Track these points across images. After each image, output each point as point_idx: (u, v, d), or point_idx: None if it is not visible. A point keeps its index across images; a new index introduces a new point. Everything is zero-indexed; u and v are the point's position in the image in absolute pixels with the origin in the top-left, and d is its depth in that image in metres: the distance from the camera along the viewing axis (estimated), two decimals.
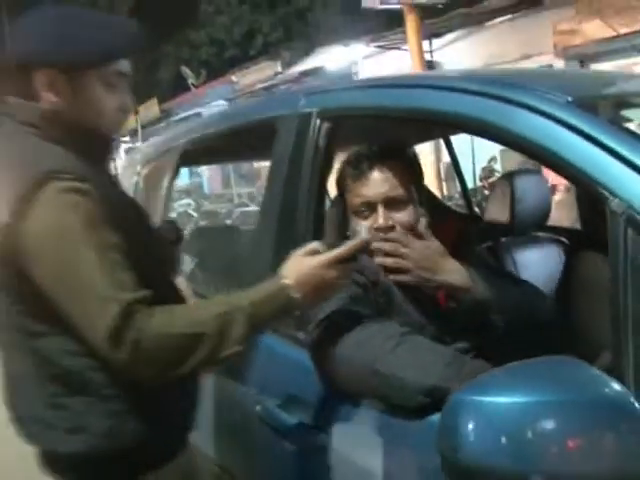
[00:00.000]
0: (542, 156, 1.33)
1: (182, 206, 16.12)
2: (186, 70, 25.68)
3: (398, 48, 12.22)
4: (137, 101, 24.48)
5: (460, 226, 2.06)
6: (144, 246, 1.54)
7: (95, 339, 1.37)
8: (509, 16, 11.09)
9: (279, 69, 18.81)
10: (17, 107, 1.53)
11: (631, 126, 1.47)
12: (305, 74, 16.20)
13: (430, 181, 8.14)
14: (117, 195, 1.57)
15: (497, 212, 2.62)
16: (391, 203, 1.72)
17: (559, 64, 10.28)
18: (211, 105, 21.54)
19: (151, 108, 24.86)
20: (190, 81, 25.23)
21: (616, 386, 1.04)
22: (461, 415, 1.04)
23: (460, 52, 12.53)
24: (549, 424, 1.01)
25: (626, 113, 1.46)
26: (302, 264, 1.50)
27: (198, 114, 22.50)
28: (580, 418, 1.01)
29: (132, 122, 23.39)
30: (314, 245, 1.54)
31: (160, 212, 2.63)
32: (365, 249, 1.56)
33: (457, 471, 1.05)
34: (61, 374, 1.48)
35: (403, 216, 1.72)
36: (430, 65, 12.99)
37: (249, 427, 1.87)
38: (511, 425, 1.01)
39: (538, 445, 1.00)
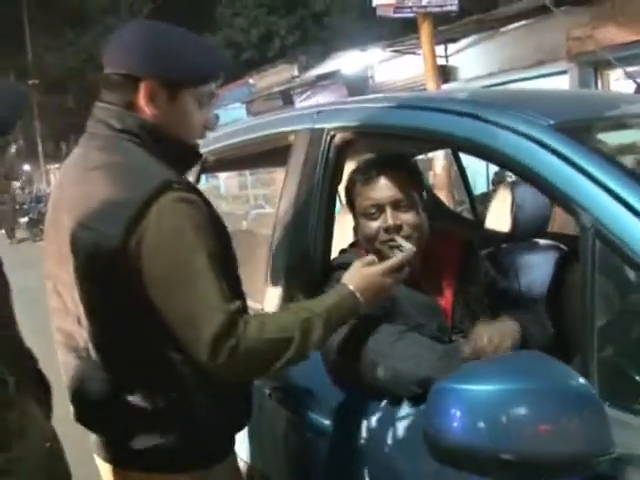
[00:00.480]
0: (523, 173, 1.50)
1: None
2: None
3: (414, 53, 12.33)
4: None
5: (466, 235, 2.19)
6: (232, 253, 1.70)
7: (195, 343, 1.47)
8: (523, 22, 11.17)
9: (296, 72, 18.96)
10: (117, 115, 1.63)
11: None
12: (322, 78, 16.33)
13: (443, 186, 8.26)
14: (208, 204, 1.67)
15: (498, 219, 2.78)
16: (398, 205, 1.87)
17: (573, 70, 10.37)
18: (227, 107, 21.72)
19: None
20: None
21: (581, 379, 1.19)
22: (443, 400, 1.21)
23: (475, 57, 12.63)
24: (520, 409, 1.16)
25: (604, 136, 1.60)
26: (363, 273, 1.68)
27: (215, 116, 22.72)
28: (548, 405, 1.16)
29: None
30: (370, 258, 1.73)
31: None
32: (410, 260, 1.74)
33: (439, 450, 1.21)
34: (150, 369, 1.61)
35: (409, 217, 1.87)
36: (445, 70, 13.11)
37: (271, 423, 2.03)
38: (487, 410, 1.16)
39: (510, 428, 1.16)
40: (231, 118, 21.74)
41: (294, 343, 1.53)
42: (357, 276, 1.69)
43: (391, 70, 14.18)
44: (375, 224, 1.88)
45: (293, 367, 1.71)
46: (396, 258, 1.73)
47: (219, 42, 28.73)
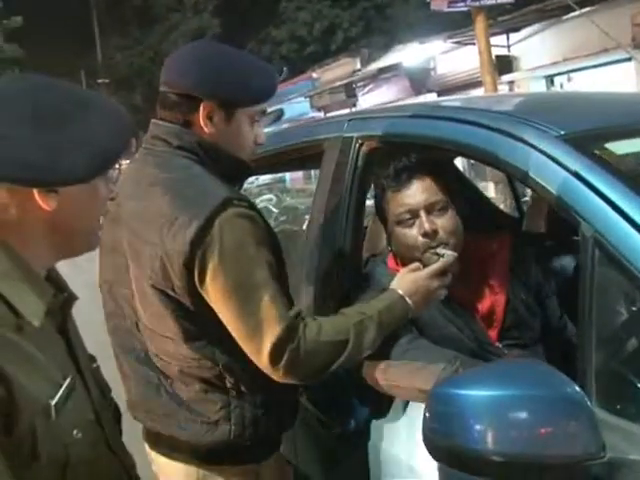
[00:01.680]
0: (532, 184, 1.55)
1: (263, 201, 16.21)
2: None
3: (474, 44, 12.25)
4: None
5: (514, 237, 2.14)
6: (283, 262, 1.80)
7: (259, 349, 1.59)
8: (587, 9, 10.96)
9: (358, 66, 18.97)
10: (175, 133, 1.74)
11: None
12: (384, 71, 16.34)
13: (499, 179, 8.20)
14: (263, 218, 1.76)
15: (536, 220, 2.80)
16: (432, 209, 1.86)
17: (638, 57, 10.14)
18: (292, 101, 21.92)
19: None
20: None
21: (574, 386, 1.24)
22: (441, 404, 1.28)
23: (537, 46, 12.44)
24: (514, 414, 1.22)
25: (614, 145, 1.63)
26: (411, 278, 1.78)
27: (280, 111, 22.97)
28: (541, 410, 1.22)
29: None
30: (415, 264, 1.82)
31: None
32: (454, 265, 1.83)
33: (437, 450, 1.29)
34: (209, 372, 1.72)
35: (444, 221, 1.86)
36: (507, 60, 12.97)
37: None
38: (482, 413, 1.23)
39: (503, 431, 1.22)
40: (295, 112, 22.04)
41: (349, 345, 1.64)
42: (405, 281, 1.78)
43: (453, 62, 14.09)
44: (412, 231, 1.87)
45: None
46: (440, 263, 1.80)
47: (283, 36, 28.98)
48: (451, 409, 1.25)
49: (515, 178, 1.63)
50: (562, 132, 1.57)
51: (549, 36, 12.04)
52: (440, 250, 1.83)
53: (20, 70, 30.73)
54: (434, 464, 1.41)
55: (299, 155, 2.63)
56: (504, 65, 12.83)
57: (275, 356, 1.58)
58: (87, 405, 1.22)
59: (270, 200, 17.10)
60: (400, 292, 1.75)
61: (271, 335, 1.58)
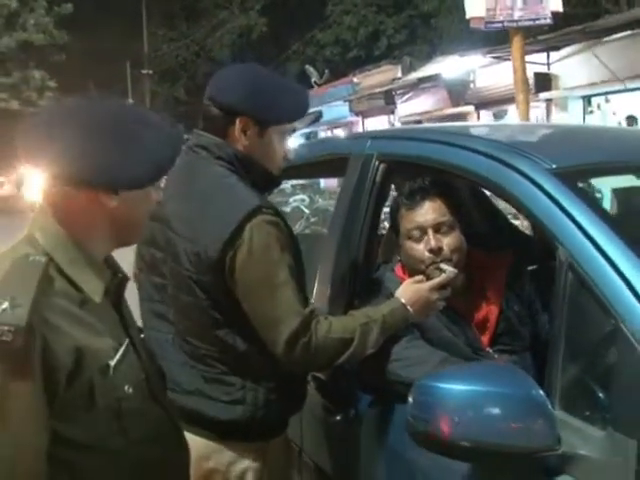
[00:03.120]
0: (520, 208, 1.75)
1: (296, 201, 16.29)
2: (310, 69, 26.35)
3: None
4: None
5: (522, 253, 2.34)
6: (302, 264, 2.03)
7: (276, 340, 1.84)
8: (628, 32, 11.04)
9: (399, 74, 19.15)
10: (215, 144, 1.98)
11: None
12: (423, 80, 16.51)
13: None
14: (287, 224, 2.00)
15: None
16: (439, 228, 2.07)
17: None
18: (331, 105, 22.16)
19: None
20: (313, 80, 25.87)
21: (538, 389, 1.45)
22: (422, 395, 1.49)
23: (576, 66, 12.54)
24: (484, 407, 1.43)
25: (600, 180, 1.83)
26: (414, 289, 2.00)
27: (319, 112, 23.22)
28: (507, 406, 1.43)
29: None
30: (420, 277, 2.04)
31: None
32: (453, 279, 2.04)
33: (417, 436, 1.50)
34: (230, 356, 1.95)
35: (450, 239, 2.07)
36: (545, 77, 13.07)
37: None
38: (454, 405, 1.44)
39: (474, 421, 1.43)
40: (334, 115, 22.23)
41: (355, 343, 1.88)
42: (408, 291, 2.00)
43: (491, 76, 14.23)
44: (419, 246, 2.07)
45: None
46: (441, 278, 2.01)
47: (327, 39, 29.19)
48: (430, 399, 1.47)
49: (510, 204, 1.83)
50: (553, 166, 1.77)
51: (589, 57, 12.12)
52: (443, 266, 2.03)
53: (68, 57, 31.51)
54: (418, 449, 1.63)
55: (326, 166, 2.86)
56: (542, 83, 12.95)
57: (290, 347, 1.82)
58: (138, 367, 1.50)
59: (303, 201, 17.13)
60: (403, 300, 1.97)
61: (287, 328, 1.82)
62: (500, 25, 8.25)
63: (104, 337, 1.41)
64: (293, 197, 16.25)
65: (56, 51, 31.10)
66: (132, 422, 1.44)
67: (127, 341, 1.48)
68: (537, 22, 8.29)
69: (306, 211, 15.38)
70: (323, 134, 23.35)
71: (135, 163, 1.38)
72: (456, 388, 1.45)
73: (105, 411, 1.38)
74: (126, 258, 1.92)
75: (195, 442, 2.01)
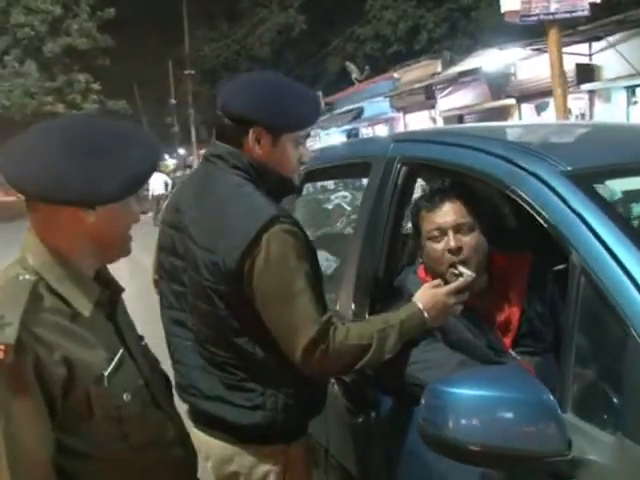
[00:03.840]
0: (534, 212, 1.75)
1: (338, 198, 16.28)
2: (350, 65, 26.34)
3: None
4: None
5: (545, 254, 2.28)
6: (320, 272, 2.06)
7: (293, 347, 1.86)
8: None
9: (439, 69, 19.01)
10: (231, 153, 2.01)
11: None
12: (463, 74, 16.37)
13: None
14: (304, 233, 2.02)
15: None
16: (459, 229, 2.11)
17: None
18: (372, 101, 22.10)
19: None
20: (354, 76, 25.86)
21: (549, 394, 1.46)
22: (434, 399, 1.51)
23: (620, 56, 12.27)
24: (494, 412, 1.45)
25: (615, 182, 1.81)
26: (431, 294, 2.01)
27: (359, 109, 23.18)
28: (517, 411, 1.44)
29: None
30: (437, 281, 2.05)
31: None
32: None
33: (428, 438, 1.52)
34: (249, 364, 1.98)
35: (469, 240, 2.10)
36: (588, 68, 12.85)
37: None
38: (465, 409, 1.45)
39: (484, 425, 1.44)
40: (375, 111, 22.18)
41: (372, 348, 1.89)
42: (425, 296, 2.02)
43: (533, 68, 14.02)
44: (439, 246, 2.11)
45: None
46: (458, 282, 2.03)
47: (367, 34, 29.13)
48: (441, 403, 1.48)
49: (525, 207, 1.83)
50: (569, 168, 1.76)
51: (632, 46, 11.88)
52: (461, 269, 2.05)
53: (111, 60, 32.02)
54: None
55: (351, 169, 2.89)
56: (584, 74, 12.73)
57: (307, 354, 1.85)
58: (136, 374, 1.55)
59: (345, 197, 17.03)
60: (420, 305, 1.98)
61: (305, 336, 1.84)
62: (536, 18, 8.13)
63: (97, 349, 1.46)
64: (335, 194, 16.19)
65: (99, 54, 31.65)
66: (133, 428, 1.50)
67: (122, 350, 1.53)
68: (574, 14, 8.14)
69: (347, 208, 15.31)
70: (364, 130, 23.30)
71: (108, 178, 1.41)
72: (466, 393, 1.47)
73: (105, 419, 1.45)
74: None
75: (217, 446, 2.08)
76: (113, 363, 1.48)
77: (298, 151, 2.07)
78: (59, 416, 1.38)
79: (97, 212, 1.45)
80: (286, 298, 1.88)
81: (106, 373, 1.45)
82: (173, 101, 35.54)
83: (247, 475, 2.06)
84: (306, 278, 1.89)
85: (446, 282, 2.06)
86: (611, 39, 12.11)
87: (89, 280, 1.53)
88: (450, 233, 2.10)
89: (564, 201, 1.67)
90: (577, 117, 13.43)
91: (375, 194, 2.43)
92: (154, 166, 1.53)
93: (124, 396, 1.48)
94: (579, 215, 1.63)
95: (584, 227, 1.60)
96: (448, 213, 2.12)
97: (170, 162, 39.38)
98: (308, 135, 2.10)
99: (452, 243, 2.09)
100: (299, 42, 33.21)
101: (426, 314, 1.98)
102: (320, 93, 25.45)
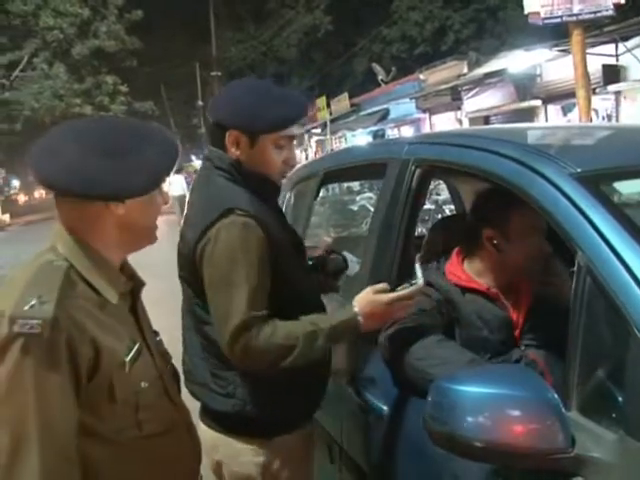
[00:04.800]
0: (542, 213, 1.77)
1: (363, 199, 16.31)
2: (377, 67, 26.32)
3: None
4: (329, 95, 25.52)
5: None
6: (295, 268, 2.11)
7: (221, 336, 1.94)
8: None
9: (465, 70, 18.95)
10: (215, 155, 2.12)
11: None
12: (489, 76, 16.30)
13: None
14: (279, 227, 2.09)
15: None
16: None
17: None
18: (398, 102, 22.07)
19: (342, 102, 25.73)
20: (380, 77, 25.84)
21: (553, 392, 1.47)
22: (439, 396, 1.53)
23: None
24: (498, 409, 1.47)
25: (623, 185, 1.83)
26: (371, 299, 2.01)
27: (385, 110, 23.17)
28: (521, 408, 1.46)
29: (323, 115, 24.42)
30: (383, 285, 2.04)
31: (302, 225, 3.23)
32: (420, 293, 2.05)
33: (432, 433, 1.54)
34: (218, 351, 2.02)
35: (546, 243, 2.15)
36: (614, 69, 12.75)
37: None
38: (469, 406, 1.47)
39: (488, 422, 1.46)
40: (401, 112, 22.16)
41: (297, 350, 1.94)
42: (365, 301, 2.02)
43: (559, 69, 13.95)
44: (537, 242, 2.13)
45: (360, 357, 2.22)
46: (404, 291, 2.00)
47: (393, 35, 29.11)
48: (446, 400, 1.51)
49: (534, 207, 1.85)
50: (578, 169, 1.78)
51: None
52: (418, 272, 2.03)
53: (139, 62, 32.29)
54: None
55: (368, 170, 2.92)
56: (611, 75, 12.64)
57: (231, 344, 1.92)
58: (151, 365, 1.65)
59: (370, 199, 17.10)
60: (356, 310, 2.00)
61: (230, 325, 1.91)
62: (559, 20, 8.08)
63: (121, 337, 1.56)
64: (360, 195, 16.24)
65: (127, 56, 31.94)
66: (146, 416, 1.58)
67: (140, 341, 1.62)
68: (598, 14, 8.08)
69: (372, 209, 15.32)
70: (390, 132, 23.28)
71: (135, 174, 1.52)
72: (471, 390, 1.49)
73: (124, 404, 1.53)
74: None
75: (206, 433, 2.16)
76: (133, 351, 1.56)
77: (282, 152, 2.12)
78: (83, 397, 1.46)
79: (126, 205, 1.54)
80: (222, 287, 1.94)
81: (127, 359, 1.54)
82: (200, 102, 35.71)
83: (228, 465, 2.13)
84: (247, 271, 1.93)
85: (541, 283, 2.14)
86: (638, 39, 11.98)
87: (115, 271, 1.61)
88: (540, 235, 2.14)
89: (572, 202, 1.69)
90: (603, 118, 13.34)
91: (390, 196, 2.46)
92: (174, 161, 1.62)
93: (142, 384, 1.57)
94: (585, 216, 1.64)
95: (590, 228, 1.62)
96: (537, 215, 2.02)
97: (196, 163, 39.55)
98: (292, 137, 2.13)
99: (545, 246, 2.14)
100: (325, 43, 33.26)
101: (361, 319, 1.99)
102: (346, 94, 25.56)
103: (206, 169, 2.14)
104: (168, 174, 1.62)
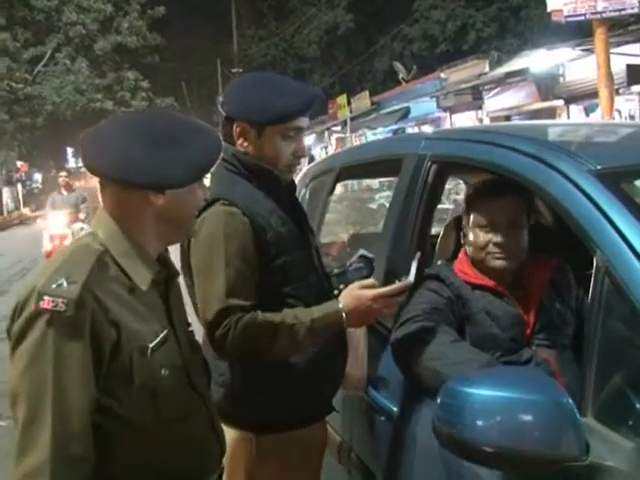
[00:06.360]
0: (559, 210, 1.71)
1: (382, 198, 16.30)
2: (398, 65, 26.23)
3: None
4: (350, 93, 25.49)
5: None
6: (297, 264, 2.06)
7: (203, 321, 1.96)
8: None
9: (486, 69, 18.78)
10: (225, 148, 2.04)
11: None
12: (511, 75, 16.15)
13: None
14: (280, 220, 2.06)
15: None
16: (511, 225, 2.10)
17: None
18: (418, 101, 21.96)
19: (362, 100, 25.66)
20: (401, 76, 25.75)
21: (567, 397, 1.41)
22: (450, 398, 1.48)
23: None
24: (511, 414, 1.41)
25: None
26: (355, 294, 1.98)
27: (406, 108, 23.06)
28: (535, 413, 1.40)
29: (344, 113, 24.36)
30: (371, 281, 2.02)
31: (317, 221, 3.19)
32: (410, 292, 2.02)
33: (441, 435, 1.49)
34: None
35: (517, 238, 2.10)
36: (638, 69, 12.58)
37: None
38: (479, 409, 1.42)
39: (499, 426, 1.41)
40: (421, 111, 22.07)
41: (276, 342, 1.93)
42: (349, 296, 1.99)
43: (582, 69, 13.77)
44: (487, 237, 2.11)
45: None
46: (391, 287, 1.97)
47: (415, 34, 29.00)
48: (456, 402, 1.46)
49: (551, 205, 1.79)
50: (598, 167, 1.72)
51: None
52: (413, 268, 2.01)
53: (160, 58, 32.43)
54: None
55: (384, 166, 2.88)
56: (635, 75, 12.46)
57: (210, 331, 1.93)
58: (177, 354, 1.66)
59: (389, 197, 16.93)
60: (340, 305, 1.97)
61: (210, 312, 1.93)
62: (582, 18, 7.95)
63: (148, 322, 1.58)
64: (379, 194, 16.22)
65: (149, 53, 32.09)
66: (165, 402, 1.59)
67: (168, 329, 1.64)
68: (623, 12, 7.93)
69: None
70: (410, 130, 23.17)
71: (176, 166, 1.55)
72: (482, 393, 1.43)
73: (142, 388, 1.54)
74: None
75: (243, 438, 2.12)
76: (158, 338, 1.59)
77: (290, 144, 2.09)
78: (103, 376, 1.49)
79: (166, 196, 1.57)
80: (203, 275, 1.98)
81: (151, 345, 1.56)
82: (220, 99, 35.78)
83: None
84: (229, 259, 1.94)
85: (485, 268, 2.09)
86: None
87: (150, 258, 1.64)
88: (502, 228, 2.10)
89: (590, 200, 1.64)
90: (627, 119, 13.17)
91: (405, 191, 2.42)
92: (216, 155, 1.65)
93: (162, 371, 1.58)
94: (605, 214, 1.59)
95: (610, 227, 1.56)
96: (504, 207, 2.11)
97: None
98: (299, 129, 2.10)
99: (500, 238, 2.09)
100: (347, 41, 33.22)
101: (344, 316, 1.96)
102: (367, 92, 25.50)
103: (219, 164, 2.11)
104: (209, 168, 1.65)
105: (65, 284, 1.45)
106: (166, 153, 1.55)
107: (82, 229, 10.01)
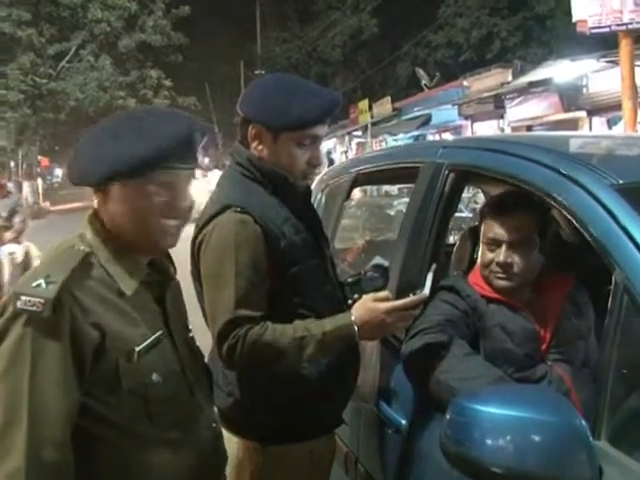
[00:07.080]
0: (578, 224, 1.66)
1: (400, 204, 16.20)
2: (420, 71, 26.13)
3: None
4: (371, 98, 25.43)
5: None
6: (310, 274, 2.02)
7: (212, 331, 1.91)
8: None
9: (509, 78, 18.65)
10: (236, 149, 2.09)
11: None
12: (534, 85, 16.04)
13: None
14: (294, 228, 2.01)
15: None
16: (514, 245, 2.05)
17: None
18: (440, 108, 21.87)
19: (384, 106, 25.58)
20: (423, 82, 25.65)
21: (580, 419, 1.37)
22: (456, 414, 1.44)
23: None
24: (520, 434, 1.37)
25: None
26: (369, 307, 1.92)
27: (427, 115, 22.97)
28: (545, 433, 1.35)
29: (365, 118, 24.30)
30: (385, 293, 1.96)
31: (332, 226, 3.15)
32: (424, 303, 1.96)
33: (447, 453, 1.45)
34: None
35: (521, 258, 2.05)
36: None
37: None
38: (488, 428, 1.38)
39: (508, 447, 1.36)
40: (443, 118, 21.98)
41: (286, 354, 1.87)
42: (363, 308, 1.93)
43: (606, 80, 13.63)
44: (491, 255, 2.08)
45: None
46: (405, 300, 1.91)
47: (439, 41, 28.87)
48: (465, 420, 1.41)
49: (570, 219, 1.75)
50: (620, 180, 1.67)
51: None
52: (428, 281, 1.96)
53: (184, 57, 32.56)
54: None
55: (397, 173, 2.84)
56: None
57: (219, 341, 1.88)
58: (174, 359, 1.62)
59: (406, 204, 16.80)
60: (353, 318, 1.91)
61: (218, 323, 1.87)
62: (607, 29, 7.85)
63: (136, 325, 1.54)
64: (398, 200, 16.14)
65: (172, 52, 32.22)
66: (160, 410, 1.55)
67: (160, 332, 1.59)
68: None
69: None
70: (431, 138, 23.07)
71: (132, 150, 1.50)
72: (492, 411, 1.39)
73: (131, 394, 1.51)
74: None
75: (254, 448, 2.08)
76: (147, 342, 1.55)
77: (305, 152, 2.03)
78: (88, 380, 1.46)
79: (126, 193, 1.53)
80: (212, 284, 1.93)
81: (137, 349, 1.52)
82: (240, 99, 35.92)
83: (229, 463, 2.01)
84: (238, 267, 1.88)
85: (490, 286, 2.05)
86: None
87: (137, 262, 1.62)
88: (503, 247, 2.06)
89: (611, 215, 1.59)
90: None
91: (422, 199, 2.38)
92: (168, 145, 1.54)
93: (153, 376, 1.54)
94: (625, 230, 1.54)
95: (630, 243, 1.51)
96: (508, 226, 2.06)
97: None
98: (316, 137, 2.03)
99: (501, 258, 2.05)
100: (370, 46, 33.14)
101: (357, 329, 1.90)
102: (389, 97, 25.43)
103: (230, 164, 2.11)
104: (163, 156, 1.53)
105: (43, 284, 1.43)
106: (119, 144, 1.52)
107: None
